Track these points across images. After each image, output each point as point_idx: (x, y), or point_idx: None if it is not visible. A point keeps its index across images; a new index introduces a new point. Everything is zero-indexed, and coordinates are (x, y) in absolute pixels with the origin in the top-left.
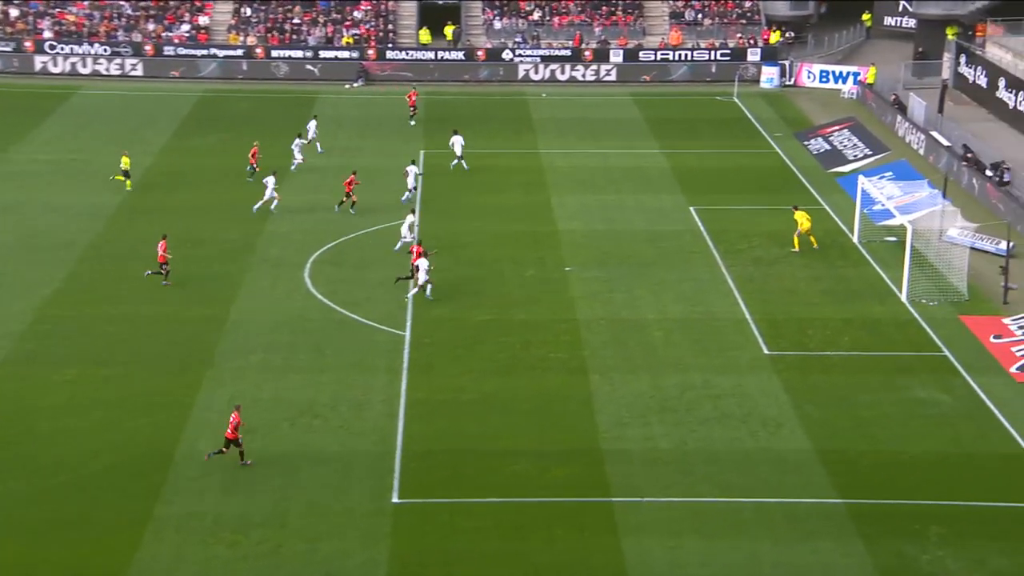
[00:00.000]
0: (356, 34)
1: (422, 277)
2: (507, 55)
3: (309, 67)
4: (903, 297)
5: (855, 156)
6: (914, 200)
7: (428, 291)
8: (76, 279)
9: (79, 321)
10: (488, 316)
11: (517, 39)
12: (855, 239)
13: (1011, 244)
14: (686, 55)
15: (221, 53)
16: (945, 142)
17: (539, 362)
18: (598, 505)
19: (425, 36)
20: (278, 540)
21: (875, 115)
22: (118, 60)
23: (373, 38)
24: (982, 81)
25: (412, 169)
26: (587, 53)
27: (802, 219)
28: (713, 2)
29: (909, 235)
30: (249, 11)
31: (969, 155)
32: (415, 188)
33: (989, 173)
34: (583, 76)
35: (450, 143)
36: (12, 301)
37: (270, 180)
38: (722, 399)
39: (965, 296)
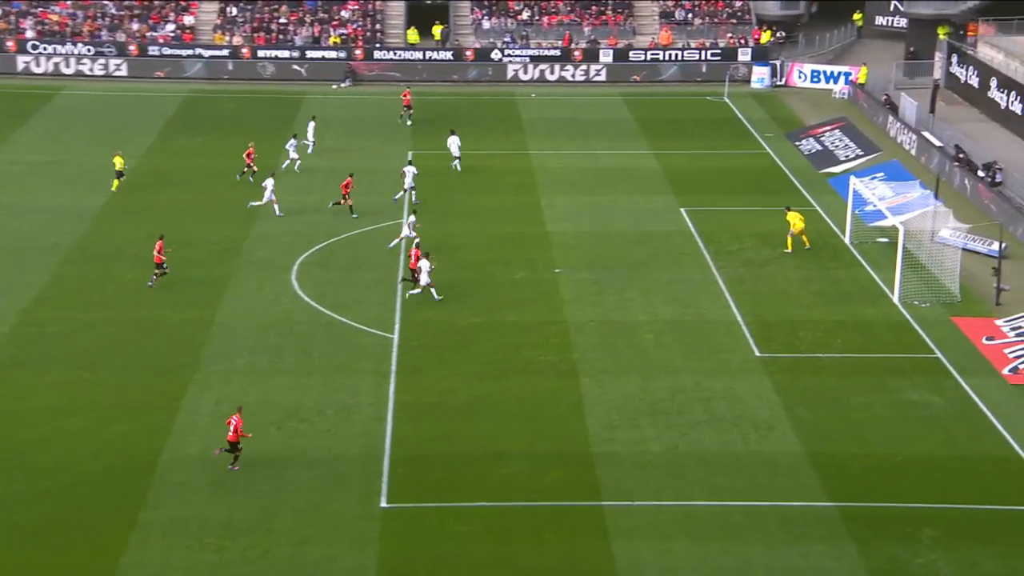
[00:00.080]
0: (343, 34)
1: (424, 279)
2: (496, 55)
3: (296, 67)
4: (895, 298)
5: (846, 156)
6: (906, 201)
7: (435, 292)
8: (60, 281)
9: (63, 324)
10: (477, 318)
11: (506, 39)
12: (847, 240)
13: (1003, 245)
14: (676, 55)
15: (207, 53)
16: (937, 142)
17: (529, 365)
18: (588, 509)
19: (413, 36)
20: (265, 545)
21: (866, 115)
22: (102, 60)
23: (360, 38)
24: (974, 81)
25: (410, 170)
26: (577, 53)
27: (795, 220)
28: (703, 2)
29: (901, 236)
30: (235, 11)
31: (961, 155)
32: (411, 188)
33: (981, 174)
34: (573, 76)
35: (448, 144)
36: None
37: (269, 182)
38: (713, 402)
39: (957, 297)
